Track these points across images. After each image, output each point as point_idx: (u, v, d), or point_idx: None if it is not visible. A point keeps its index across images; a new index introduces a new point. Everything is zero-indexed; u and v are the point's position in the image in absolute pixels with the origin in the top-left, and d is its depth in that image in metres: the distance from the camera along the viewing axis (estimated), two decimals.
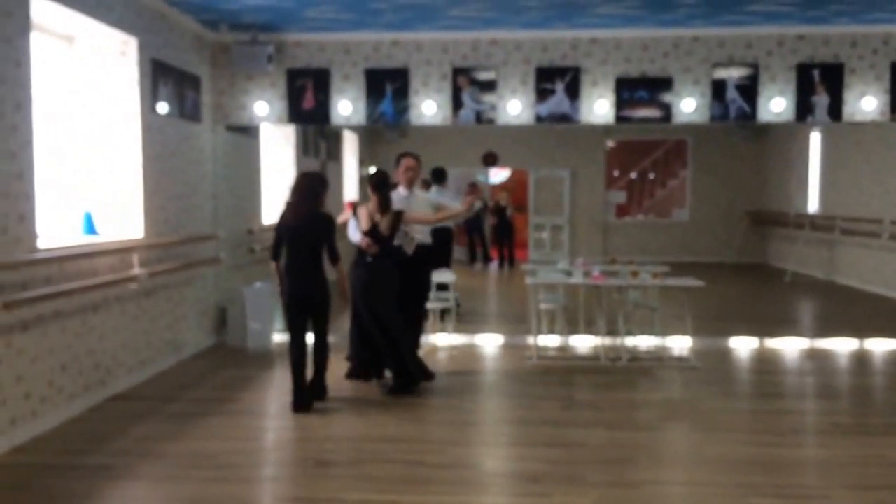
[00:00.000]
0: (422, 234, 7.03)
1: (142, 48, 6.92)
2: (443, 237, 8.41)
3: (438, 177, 9.78)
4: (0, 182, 5.02)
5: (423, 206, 7.03)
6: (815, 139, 13.91)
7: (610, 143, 17.31)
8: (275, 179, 10.81)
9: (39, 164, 5.57)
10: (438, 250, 7.64)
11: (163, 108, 7.32)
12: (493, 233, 16.50)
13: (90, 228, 6.73)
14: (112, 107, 6.84)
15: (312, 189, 6.13)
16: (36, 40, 5.62)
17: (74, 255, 5.77)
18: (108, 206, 6.88)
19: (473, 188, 16.43)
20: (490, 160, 16.83)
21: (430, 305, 8.61)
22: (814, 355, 7.99)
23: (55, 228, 6.35)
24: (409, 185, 7.05)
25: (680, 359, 7.72)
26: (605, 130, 16.00)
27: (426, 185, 9.16)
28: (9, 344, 5.11)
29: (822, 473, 4.80)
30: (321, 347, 6.26)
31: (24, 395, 5.28)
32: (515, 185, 18.07)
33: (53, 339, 5.61)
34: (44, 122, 6.04)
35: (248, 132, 9.23)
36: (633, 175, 17.98)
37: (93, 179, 6.86)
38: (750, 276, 14.47)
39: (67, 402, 5.78)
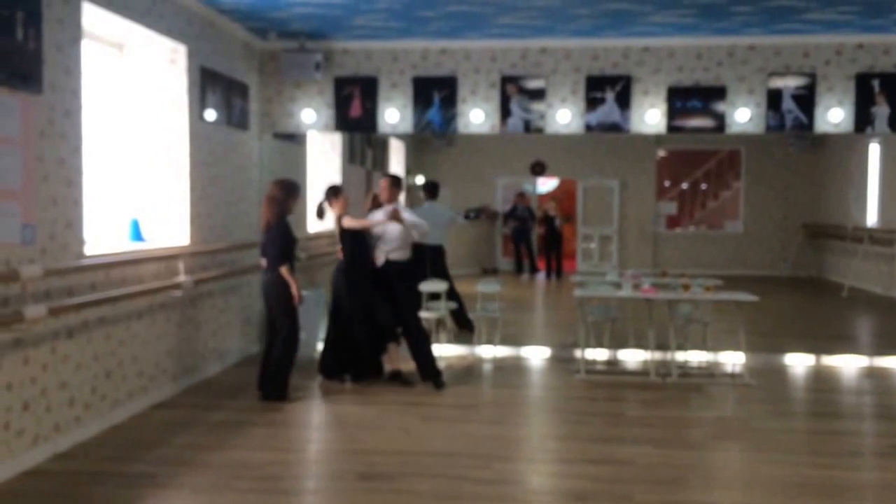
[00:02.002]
0: (397, 252, 7.14)
1: (191, 56, 6.95)
2: (424, 253, 8.62)
3: (430, 190, 9.75)
4: (48, 188, 5.05)
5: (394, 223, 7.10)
6: (875, 150, 13.48)
7: (661, 153, 17.02)
8: (321, 188, 10.81)
9: (88, 171, 5.60)
10: (419, 265, 8.00)
11: (210, 115, 7.35)
12: (541, 243, 16.34)
13: (137, 235, 6.76)
14: (160, 114, 6.88)
15: (273, 197, 6.61)
16: (86, 47, 5.65)
17: (120, 262, 5.79)
18: (155, 212, 6.92)
19: (521, 197, 16.33)
20: (538, 169, 16.72)
21: (473, 316, 8.53)
22: (872, 374, 7.67)
23: (102, 234, 6.38)
24: (386, 201, 7.28)
25: (732, 375, 7.48)
26: (656, 140, 15.75)
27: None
28: (54, 350, 5.13)
29: (880, 498, 4.61)
30: (278, 346, 6.59)
31: (69, 401, 5.29)
32: (563, 195, 17.88)
33: (98, 346, 5.62)
34: (92, 128, 6.07)
35: (294, 140, 9.24)
36: (685, 186, 17.66)
37: (140, 186, 6.90)
38: (805, 290, 14.07)
39: (111, 409, 5.79)
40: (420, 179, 15.35)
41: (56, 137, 5.12)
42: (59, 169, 5.16)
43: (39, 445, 4.99)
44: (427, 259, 8.91)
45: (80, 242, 5.40)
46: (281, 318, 6.59)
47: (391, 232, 7.09)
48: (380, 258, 7.15)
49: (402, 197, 7.46)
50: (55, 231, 5.10)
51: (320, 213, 7.28)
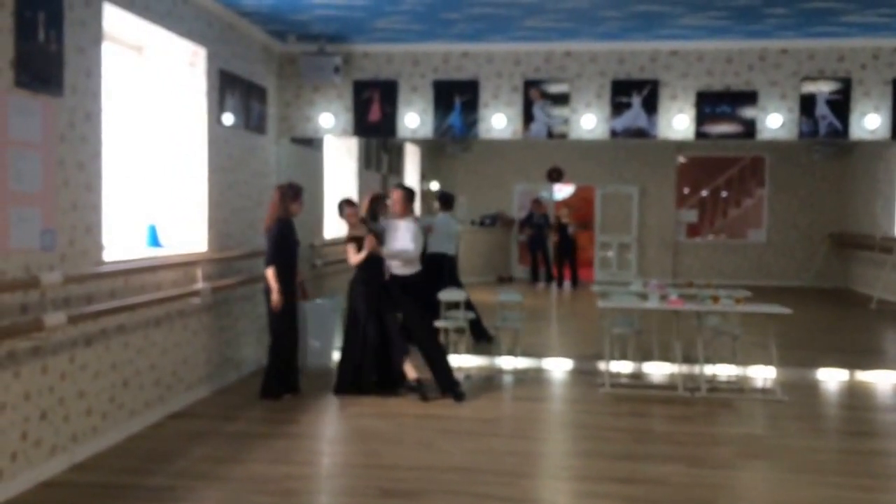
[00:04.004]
0: (403, 267, 7.10)
1: (210, 59, 6.83)
2: (441, 263, 8.69)
3: (445, 202, 9.67)
4: (69, 193, 4.94)
5: (400, 233, 7.11)
6: None
7: (681, 160, 16.78)
8: (337, 193, 10.69)
9: (105, 175, 5.47)
10: (438, 275, 8.13)
11: (228, 119, 7.22)
12: (555, 250, 16.14)
13: (154, 241, 6.64)
14: (179, 117, 6.76)
15: (274, 202, 6.76)
16: (105, 49, 5.53)
17: (140, 269, 5.67)
18: (172, 218, 6.79)
19: (537, 204, 16.15)
20: (555, 176, 16.51)
21: (494, 326, 8.37)
22: None
23: (119, 240, 6.26)
24: (398, 214, 7.22)
25: (763, 390, 7.26)
26: (677, 146, 15.52)
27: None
28: (72, 359, 5.01)
29: None
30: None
31: (86, 410, 5.17)
32: (581, 202, 17.68)
33: (116, 354, 5.50)
34: (109, 131, 5.95)
35: (311, 145, 9.11)
36: (704, 193, 17.41)
37: (158, 191, 6.77)
38: (832, 301, 13.76)
39: (128, 419, 5.66)
40: (435, 185, 15.20)
41: (76, 141, 5.01)
42: (79, 173, 5.04)
43: (57, 456, 4.88)
44: (445, 269, 8.78)
45: (100, 248, 5.29)
46: (269, 321, 6.77)
47: (399, 247, 7.02)
48: (385, 274, 7.08)
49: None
50: (75, 237, 4.99)
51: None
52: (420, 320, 7.07)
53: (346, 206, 7.20)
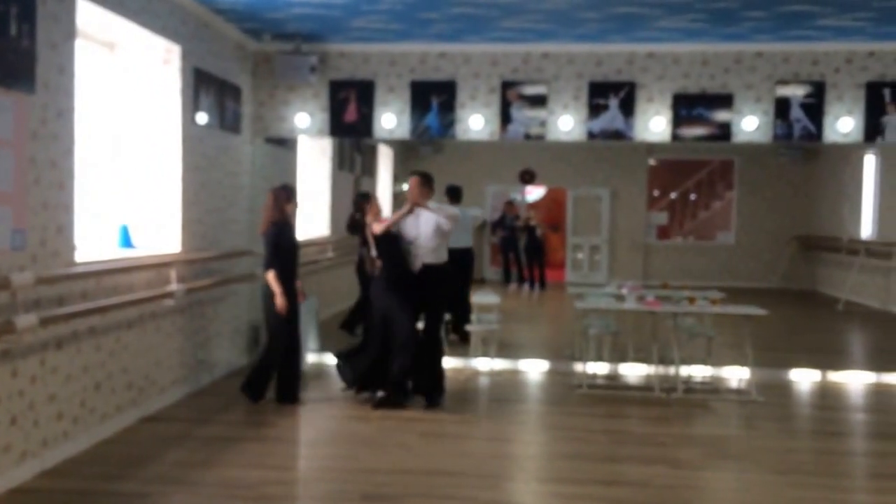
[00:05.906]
0: (433, 254, 6.66)
1: (185, 56, 6.71)
2: (461, 258, 8.48)
3: (453, 195, 9.60)
4: (40, 192, 4.80)
5: (426, 222, 6.62)
6: (870, 161, 13.40)
7: (652, 162, 16.89)
8: (310, 194, 10.60)
9: (77, 175, 5.33)
10: (457, 270, 7.69)
11: (202, 118, 7.10)
12: (523, 252, 16.14)
13: (126, 241, 6.51)
14: (152, 116, 6.62)
15: (268, 205, 6.64)
16: (77, 46, 5.39)
17: (112, 270, 5.53)
18: (144, 218, 6.66)
19: (510, 206, 16.15)
20: (527, 178, 16.53)
21: (471, 328, 8.32)
22: (881, 391, 7.50)
23: (90, 240, 6.12)
24: (419, 203, 6.71)
25: (738, 391, 7.31)
26: (648, 148, 15.61)
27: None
28: (43, 362, 4.87)
29: None
30: (262, 350, 6.84)
31: (57, 415, 5.04)
32: (553, 204, 17.72)
33: (87, 357, 5.36)
34: (81, 129, 5.81)
35: (285, 145, 9.00)
36: (673, 195, 17.54)
37: (130, 190, 6.63)
38: (799, 303, 13.93)
39: (100, 423, 5.53)
40: (407, 187, 15.12)
41: (48, 139, 4.88)
42: (51, 172, 4.91)
43: (27, 462, 4.75)
44: (469, 263, 8.73)
45: (71, 249, 5.16)
46: (267, 324, 6.64)
47: (425, 233, 6.58)
48: (416, 264, 6.66)
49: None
50: (46, 237, 4.85)
51: (352, 228, 7.05)
52: (439, 319, 6.78)
53: (366, 200, 7.01)
